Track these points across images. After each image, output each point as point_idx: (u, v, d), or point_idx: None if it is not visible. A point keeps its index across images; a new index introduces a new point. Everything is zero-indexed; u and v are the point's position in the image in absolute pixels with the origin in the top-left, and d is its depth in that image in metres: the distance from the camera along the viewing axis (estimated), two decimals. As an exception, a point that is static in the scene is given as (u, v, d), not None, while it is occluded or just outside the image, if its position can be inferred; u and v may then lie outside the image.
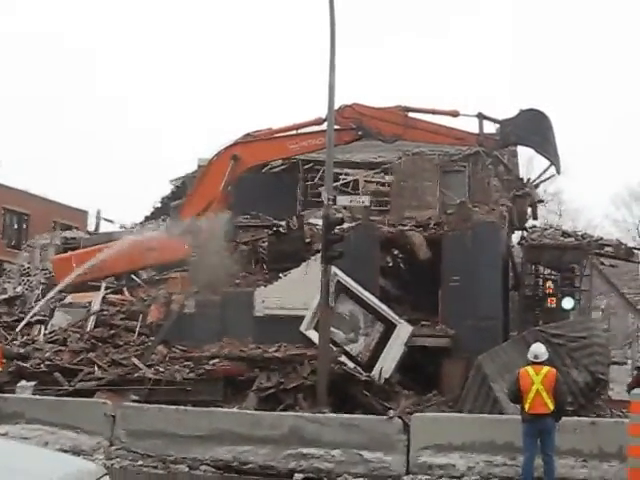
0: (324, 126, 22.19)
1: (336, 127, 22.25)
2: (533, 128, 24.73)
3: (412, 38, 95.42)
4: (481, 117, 24.99)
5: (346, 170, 30.35)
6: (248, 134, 26.81)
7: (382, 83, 74.21)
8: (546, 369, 13.60)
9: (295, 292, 22.54)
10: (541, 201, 31.10)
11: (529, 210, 27.83)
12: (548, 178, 28.37)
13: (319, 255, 20.56)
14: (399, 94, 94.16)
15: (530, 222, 29.17)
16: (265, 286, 23.65)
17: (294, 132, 26.59)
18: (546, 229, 28.30)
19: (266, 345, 21.68)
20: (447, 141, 26.21)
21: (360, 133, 25.67)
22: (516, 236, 29.96)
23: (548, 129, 24.89)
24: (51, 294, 25.82)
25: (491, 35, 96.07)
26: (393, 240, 23.88)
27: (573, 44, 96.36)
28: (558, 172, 26.00)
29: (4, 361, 21.51)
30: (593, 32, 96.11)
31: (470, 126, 25.34)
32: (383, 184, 30.45)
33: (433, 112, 25.56)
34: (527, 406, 13.41)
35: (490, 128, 25.51)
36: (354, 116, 25.29)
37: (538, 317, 25.60)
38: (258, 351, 21.46)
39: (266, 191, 29.27)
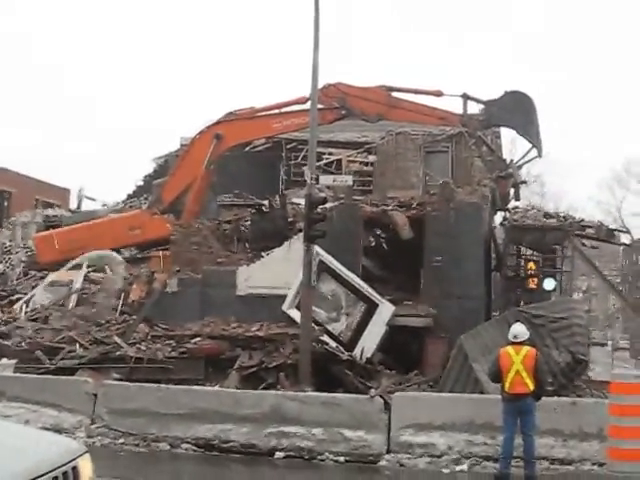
0: (307, 105, 22.11)
1: (319, 106, 22.17)
2: (517, 110, 24.71)
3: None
4: (465, 97, 24.97)
5: (329, 149, 30.34)
6: (231, 113, 26.70)
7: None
8: (526, 349, 13.64)
9: (277, 271, 22.50)
10: (524, 182, 31.11)
11: (512, 191, 27.87)
12: (531, 160, 28.39)
13: (301, 234, 20.50)
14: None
15: (513, 203, 29.22)
16: (247, 265, 23.62)
17: (277, 111, 26.50)
18: (528, 210, 28.29)
19: (248, 324, 21.69)
20: (430, 121, 26.18)
21: (343, 112, 25.62)
22: (498, 217, 30.04)
23: (532, 112, 24.86)
24: None
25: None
26: (376, 220, 23.86)
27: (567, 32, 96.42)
28: (540, 155, 25.98)
29: None
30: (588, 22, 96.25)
31: (454, 106, 25.38)
32: (366, 164, 30.48)
33: (416, 92, 25.52)
34: (507, 386, 13.46)
35: (474, 109, 25.53)
36: (338, 95, 25.23)
37: (520, 297, 25.66)
38: (240, 330, 21.46)
39: (249, 170, 29.24)
